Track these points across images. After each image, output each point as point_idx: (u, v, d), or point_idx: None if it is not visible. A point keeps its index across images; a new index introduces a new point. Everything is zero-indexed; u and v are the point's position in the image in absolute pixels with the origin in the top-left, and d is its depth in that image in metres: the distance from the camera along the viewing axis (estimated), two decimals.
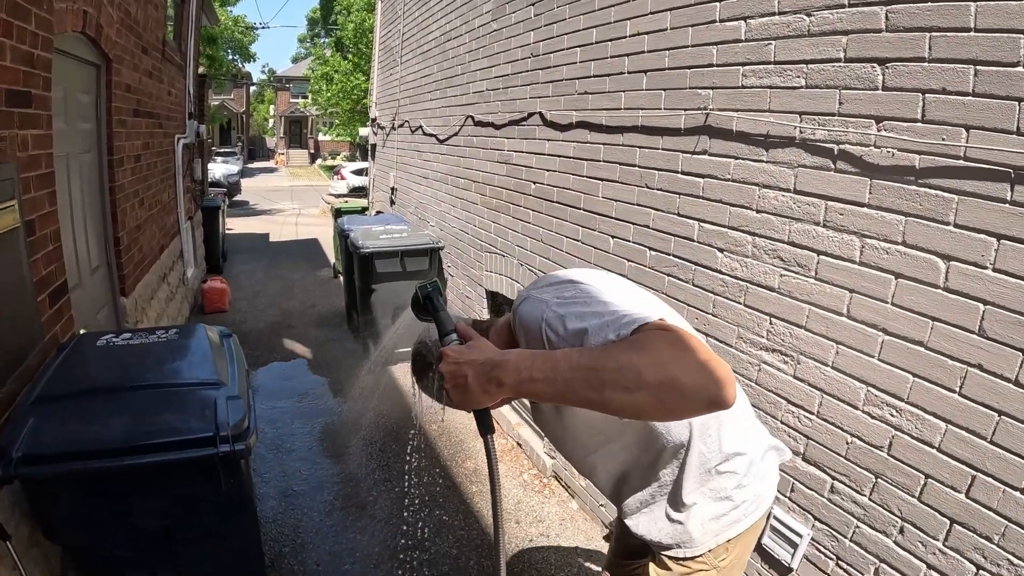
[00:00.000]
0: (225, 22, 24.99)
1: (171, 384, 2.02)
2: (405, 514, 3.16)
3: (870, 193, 1.73)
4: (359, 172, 19.39)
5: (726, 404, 0.91)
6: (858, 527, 1.86)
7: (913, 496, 1.70)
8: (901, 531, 1.74)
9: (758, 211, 2.07)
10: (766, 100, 2.01)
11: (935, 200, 1.59)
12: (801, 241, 1.93)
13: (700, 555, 1.38)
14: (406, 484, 3.43)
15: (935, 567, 1.67)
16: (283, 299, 7.29)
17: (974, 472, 1.56)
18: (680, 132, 2.37)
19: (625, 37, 2.65)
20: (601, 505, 3.06)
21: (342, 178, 20.33)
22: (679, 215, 2.43)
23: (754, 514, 1.39)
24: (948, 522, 1.63)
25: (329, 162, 34.33)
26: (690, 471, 1.31)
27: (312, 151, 39.41)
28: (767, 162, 2.02)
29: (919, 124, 1.60)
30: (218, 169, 18.88)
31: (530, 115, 3.55)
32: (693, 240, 2.37)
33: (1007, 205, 1.44)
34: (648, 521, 1.41)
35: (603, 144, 2.88)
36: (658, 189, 2.53)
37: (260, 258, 9.78)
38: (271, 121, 46.78)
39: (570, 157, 3.17)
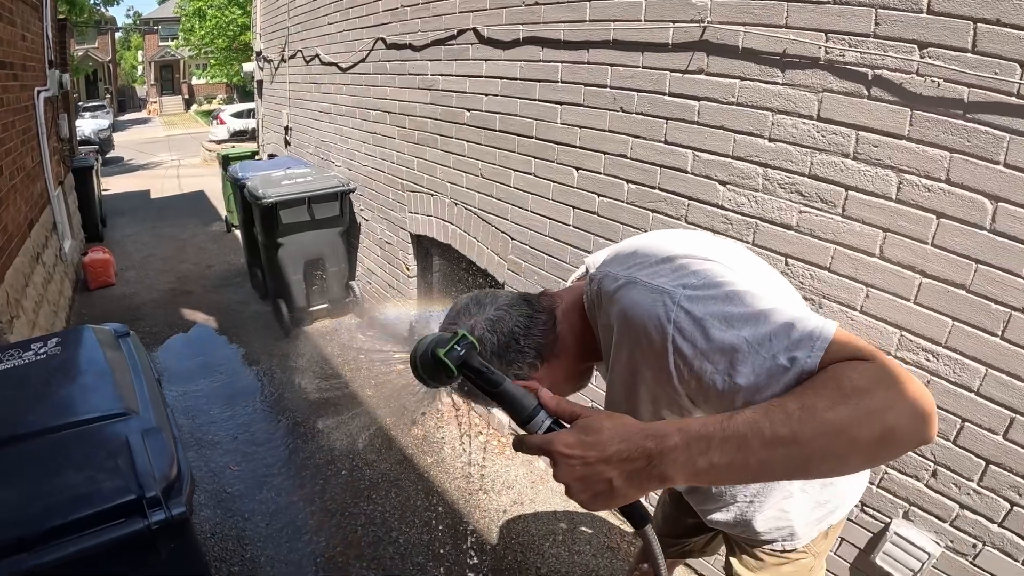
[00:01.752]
0: None
1: (61, 426, 1.46)
2: (360, 501, 2.86)
3: (911, 125, 1.55)
4: (240, 115, 18.84)
5: (930, 442, 0.70)
6: (886, 473, 1.80)
7: (948, 440, 1.65)
8: (934, 474, 1.71)
9: (771, 139, 1.83)
10: (783, 14, 1.73)
11: (985, 137, 1.45)
12: (825, 174, 1.73)
13: (802, 546, 1.22)
14: (353, 464, 3.11)
15: (968, 506, 1.66)
16: (176, 262, 6.48)
17: (1013, 414, 1.53)
18: (668, 48, 2.05)
19: None
20: None
21: (222, 122, 19.11)
22: (667, 143, 2.15)
23: (857, 494, 1.24)
24: (984, 463, 1.61)
25: (205, 107, 32.51)
26: None
27: (186, 96, 37.01)
28: (783, 84, 1.76)
29: (969, 55, 1.43)
30: (87, 125, 17.46)
31: (461, 32, 3.07)
32: (686, 172, 2.11)
33: None
34: (737, 512, 1.20)
35: (562, 62, 2.50)
36: (638, 113, 2.22)
37: (144, 219, 8.77)
38: (140, 68, 42.97)
39: (517, 79, 2.76)
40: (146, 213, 9.25)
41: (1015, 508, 1.57)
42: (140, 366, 1.82)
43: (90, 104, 24.96)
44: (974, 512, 1.65)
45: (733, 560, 1.34)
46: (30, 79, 4.84)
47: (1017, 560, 1.59)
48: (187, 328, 4.81)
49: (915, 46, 1.51)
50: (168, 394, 3.64)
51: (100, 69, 33.68)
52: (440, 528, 2.68)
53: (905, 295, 1.65)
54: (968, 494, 1.65)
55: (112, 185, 11.51)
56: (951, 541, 1.71)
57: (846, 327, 1.70)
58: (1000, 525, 1.60)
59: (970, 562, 1.68)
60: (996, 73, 1.40)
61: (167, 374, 4.01)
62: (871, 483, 1.82)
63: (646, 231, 2.22)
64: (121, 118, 31.53)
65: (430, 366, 0.82)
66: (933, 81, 1.49)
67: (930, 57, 1.49)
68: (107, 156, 16.64)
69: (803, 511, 1.17)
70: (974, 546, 1.66)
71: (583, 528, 2.71)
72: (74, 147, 8.00)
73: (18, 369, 1.70)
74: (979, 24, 1.40)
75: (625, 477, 0.70)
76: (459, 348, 0.80)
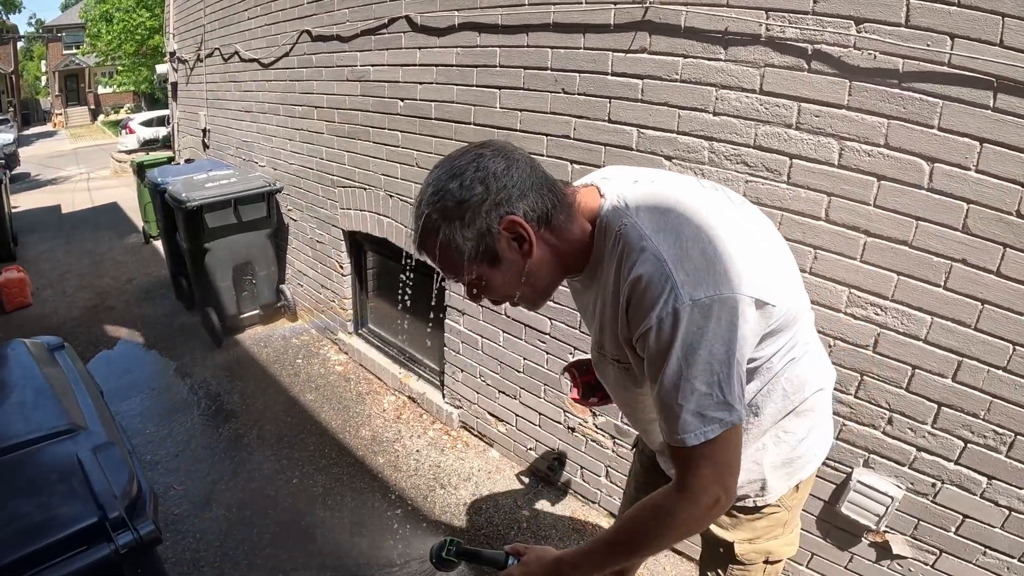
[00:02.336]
0: None
1: (1, 450, 1.29)
2: (316, 508, 2.73)
3: (849, 95, 1.63)
4: (150, 123, 18.10)
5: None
6: (845, 425, 1.88)
7: (900, 387, 1.75)
8: (890, 422, 1.80)
9: (716, 113, 1.88)
10: None
11: (919, 104, 1.55)
12: (770, 144, 1.79)
13: (773, 503, 1.25)
14: (304, 471, 2.97)
15: (925, 448, 1.76)
16: (94, 277, 6.00)
17: (960, 358, 1.64)
18: (610, 29, 2.06)
19: None
20: (529, 449, 2.90)
21: (131, 131, 18.23)
22: (611, 122, 2.16)
23: (824, 451, 1.27)
24: (936, 406, 1.71)
25: (113, 117, 30.96)
26: (765, 416, 1.13)
27: (93, 107, 34.96)
28: (726, 60, 1.81)
29: (903, 29, 1.53)
30: None
31: (392, 21, 2.96)
32: (632, 149, 2.12)
33: (990, 111, 1.46)
34: None
35: (500, 47, 2.46)
36: (580, 94, 2.22)
37: (57, 235, 8.09)
38: (44, 79, 40.39)
39: (453, 66, 2.70)
40: (59, 229, 8.60)
41: (969, 445, 1.67)
42: (80, 379, 1.64)
43: None
44: (931, 453, 1.75)
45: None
46: None
47: (976, 494, 1.69)
48: (112, 345, 4.44)
49: (852, 22, 1.59)
50: None
51: (2, 81, 32.34)
52: (402, 530, 2.60)
53: (851, 254, 1.73)
54: (924, 436, 1.75)
55: (21, 202, 10.75)
56: (912, 483, 1.80)
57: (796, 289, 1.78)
58: (956, 463, 1.71)
59: (931, 500, 1.78)
60: (928, 45, 1.49)
61: None
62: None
63: None
64: (26, 132, 29.95)
65: (438, 564, 1.26)
66: (870, 54, 1.57)
67: (866, 32, 1.57)
68: (13, 172, 15.54)
69: (774, 465, 1.19)
70: (933, 485, 1.76)
71: (547, 513, 2.70)
72: None
73: None
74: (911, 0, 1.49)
75: None
76: (452, 549, 1.25)
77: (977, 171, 1.50)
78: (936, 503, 1.77)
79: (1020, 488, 1.62)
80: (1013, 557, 1.68)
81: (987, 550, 1.71)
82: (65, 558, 1.11)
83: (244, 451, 3.13)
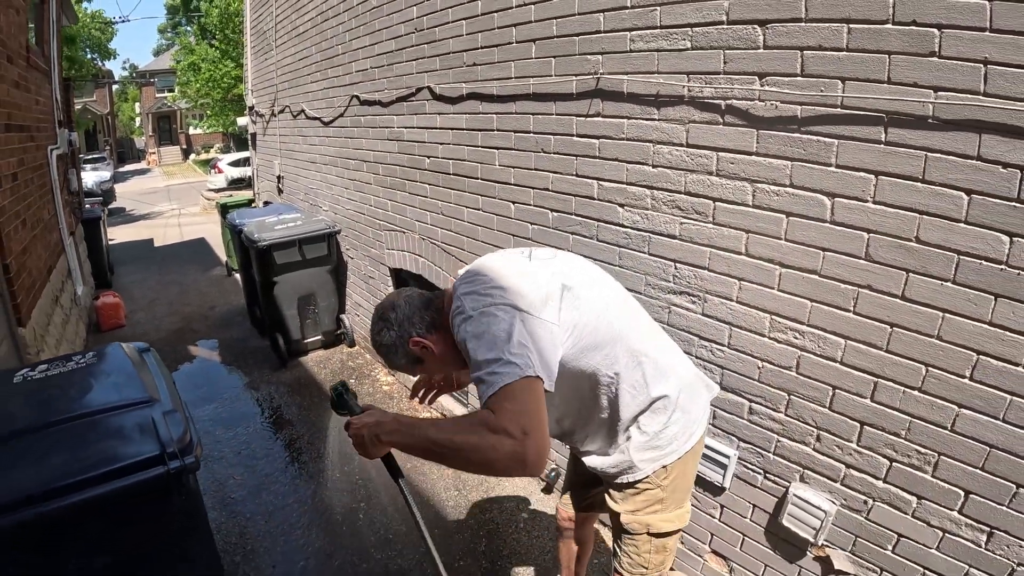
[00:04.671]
0: (82, 19, 21.88)
1: (102, 410, 1.79)
2: (348, 500, 3.02)
3: (757, 142, 1.76)
4: (237, 164, 18.15)
5: (532, 475, 1.26)
6: (779, 441, 1.94)
7: (824, 406, 1.80)
8: (818, 439, 1.84)
9: (654, 166, 2.06)
10: (655, 62, 1.98)
11: (817, 145, 1.64)
12: (697, 190, 1.95)
13: (644, 478, 1.49)
14: (342, 471, 3.29)
15: (853, 465, 1.78)
16: (180, 304, 6.60)
17: (875, 379, 1.67)
18: (572, 97, 2.30)
19: (512, 7, 2.52)
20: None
21: (219, 171, 18.68)
22: (578, 175, 2.38)
23: (686, 444, 1.49)
24: (859, 425, 1.74)
25: (203, 156, 31.30)
26: (622, 413, 1.42)
27: (184, 146, 35.80)
28: (659, 120, 2.00)
29: (799, 78, 1.64)
30: (89, 177, 16.42)
31: (418, 90, 3.33)
32: (594, 198, 2.33)
33: (882, 145, 1.52)
34: (598, 457, 1.54)
35: (496, 113, 2.75)
36: (555, 153, 2.46)
37: (148, 266, 8.77)
38: (138, 120, 41.63)
39: (463, 129, 3.02)
40: (150, 261, 9.24)
41: (894, 464, 1.69)
42: (159, 371, 2.11)
43: (91, 156, 23.39)
44: (859, 471, 1.76)
45: (607, 496, 1.61)
46: (43, 139, 5.02)
47: (907, 513, 1.69)
48: (193, 361, 4.98)
49: (756, 76, 1.73)
50: None
51: (99, 122, 32.29)
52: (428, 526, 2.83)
53: (770, 284, 1.83)
54: (851, 454, 1.77)
55: (117, 235, 11.37)
56: (844, 499, 1.82)
57: (726, 317, 1.94)
58: (885, 481, 1.72)
59: (865, 517, 1.78)
60: (822, 90, 1.60)
61: None
62: (768, 451, 1.97)
63: (567, 250, 2.45)
64: (121, 169, 30.56)
65: (333, 405, 1.46)
66: (772, 104, 1.70)
67: (768, 84, 1.70)
68: (110, 207, 15.60)
69: (639, 449, 1.46)
70: (865, 503, 1.77)
71: (542, 514, 2.87)
72: (82, 200, 7.99)
73: (64, 375, 2.02)
74: (805, 51, 1.61)
75: (367, 435, 1.27)
76: (340, 388, 1.45)
77: (875, 202, 1.56)
78: (871, 520, 1.78)
79: (950, 509, 1.60)
80: None
81: (926, 571, 1.68)
82: (136, 472, 1.59)
83: (294, 453, 3.48)
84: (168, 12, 32.26)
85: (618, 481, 1.53)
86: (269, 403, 4.16)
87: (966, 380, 1.51)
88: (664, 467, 1.47)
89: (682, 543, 2.39)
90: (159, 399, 1.87)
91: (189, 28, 24.73)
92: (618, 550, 1.63)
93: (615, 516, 1.59)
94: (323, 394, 4.25)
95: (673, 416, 1.44)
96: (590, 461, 1.58)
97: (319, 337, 4.99)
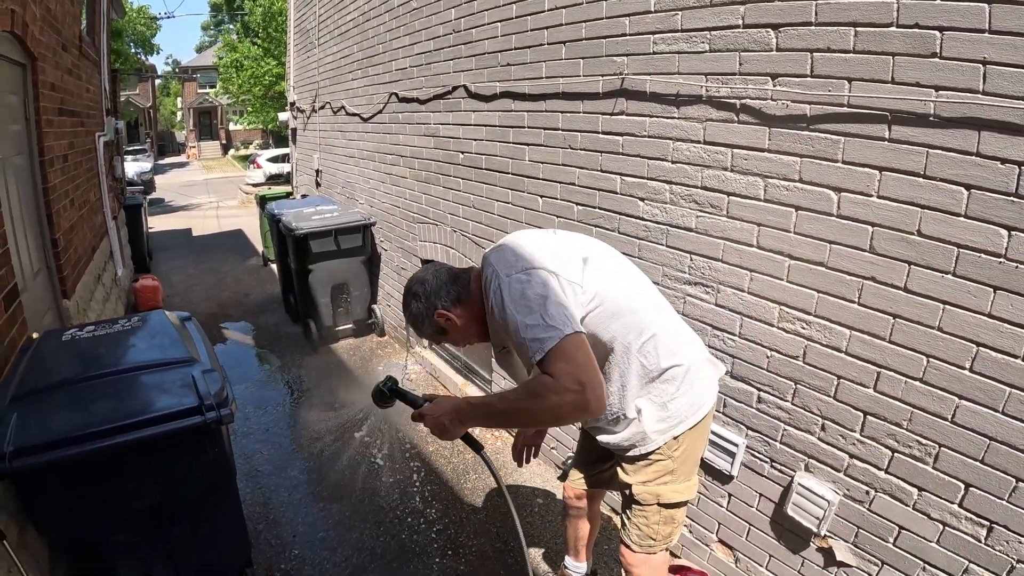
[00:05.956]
0: (128, 14, 22.90)
1: (146, 366, 1.98)
2: (370, 479, 3.17)
3: (769, 139, 1.86)
4: (275, 159, 18.58)
5: (596, 415, 1.35)
6: (785, 430, 2.01)
7: (829, 396, 1.86)
8: (823, 428, 1.90)
9: (673, 162, 2.18)
10: (675, 64, 2.10)
11: (825, 142, 1.73)
12: (712, 185, 2.06)
13: (656, 449, 1.57)
14: (364, 451, 3.44)
15: (856, 455, 1.83)
16: (216, 291, 6.91)
17: (879, 369, 1.73)
18: (599, 96, 2.44)
19: (544, 11, 2.67)
20: (552, 448, 3.19)
21: (258, 167, 19.00)
22: (602, 171, 2.51)
23: (695, 415, 1.56)
24: (862, 415, 1.79)
25: (243, 151, 31.89)
26: (632, 382, 1.51)
27: (224, 142, 36.57)
28: (679, 118, 2.12)
29: (808, 78, 1.74)
30: (130, 167, 16.81)
31: (454, 88, 3.51)
32: (616, 192, 2.45)
33: (886, 142, 1.60)
34: (611, 431, 1.62)
35: (527, 111, 2.90)
36: (581, 149, 2.60)
37: (187, 254, 9.14)
38: (179, 114, 42.95)
39: (496, 126, 3.18)
40: (188, 249, 9.57)
41: (896, 454, 1.73)
42: (200, 337, 2.33)
43: (132, 148, 23.81)
44: (862, 460, 1.81)
45: (618, 470, 1.69)
46: (92, 125, 5.37)
47: (908, 505, 1.73)
48: (226, 343, 5.26)
49: (769, 77, 1.83)
50: None
51: (141, 114, 33.03)
52: (436, 501, 2.99)
53: (779, 275, 1.92)
54: (854, 444, 1.82)
55: (155, 224, 11.66)
56: (847, 489, 1.87)
57: (738, 307, 2.04)
58: (887, 472, 1.76)
59: (867, 508, 1.83)
60: (830, 90, 1.69)
61: None
62: (775, 440, 2.04)
63: None
64: (161, 161, 31.08)
65: (382, 394, 1.62)
66: (783, 103, 1.81)
67: (780, 84, 1.80)
68: (149, 197, 15.57)
69: (651, 421, 1.54)
70: (867, 493, 1.82)
71: (558, 499, 2.99)
72: (125, 187, 8.34)
73: (110, 335, 2.24)
74: (815, 53, 1.71)
75: (449, 422, 1.43)
76: (388, 383, 1.61)
77: (879, 196, 1.64)
78: (872, 511, 1.82)
79: (950, 502, 1.63)
80: (952, 575, 1.66)
81: (926, 565, 1.71)
82: (172, 420, 1.76)
83: (321, 433, 3.66)
84: (212, 9, 33.25)
85: (631, 454, 1.61)
86: (298, 385, 4.38)
87: (966, 371, 1.56)
88: (675, 438, 1.56)
89: (690, 532, 2.47)
90: (199, 359, 2.07)
91: (232, 26, 25.27)
92: (627, 521, 1.71)
93: (626, 488, 1.66)
94: (351, 379, 4.45)
95: (682, 387, 1.53)
96: (603, 437, 1.65)
97: (350, 325, 5.20)
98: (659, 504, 1.63)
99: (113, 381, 1.89)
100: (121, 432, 1.68)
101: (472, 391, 3.97)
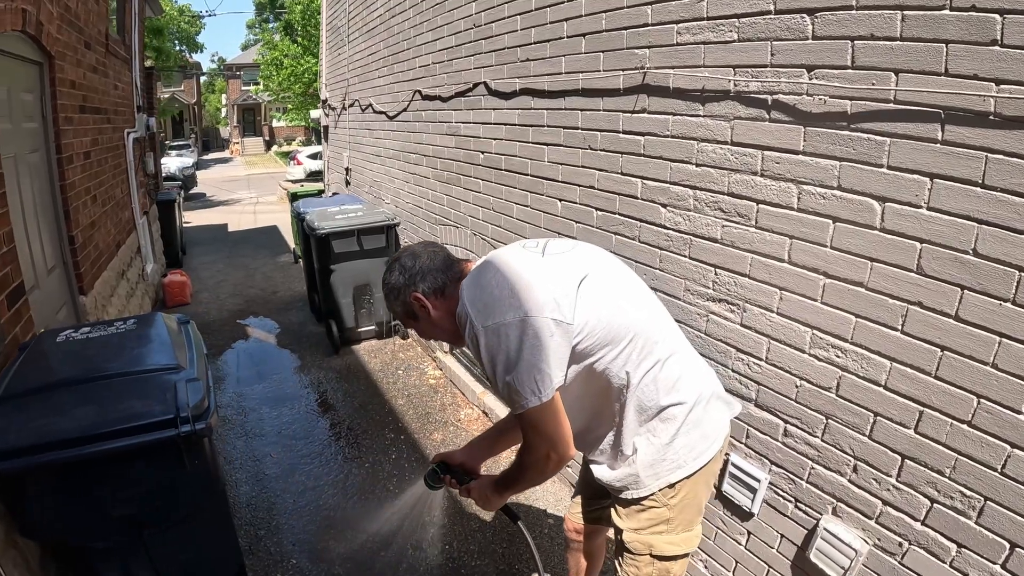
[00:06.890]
0: (170, 12, 23.65)
1: (131, 372, 1.95)
2: (378, 489, 3.09)
3: (804, 140, 1.67)
4: (315, 156, 18.66)
5: (569, 459, 1.39)
6: (813, 468, 1.82)
7: (863, 434, 1.66)
8: (855, 469, 1.70)
9: (698, 165, 2.00)
10: (701, 56, 1.93)
11: (867, 144, 1.52)
12: (740, 191, 1.87)
13: (650, 495, 1.44)
14: (375, 458, 3.37)
15: (890, 503, 1.62)
16: (245, 287, 7.02)
17: (921, 408, 1.52)
18: (619, 92, 2.28)
19: (563, 1, 2.53)
20: (567, 467, 3.06)
21: (298, 163, 19.45)
22: (622, 174, 2.35)
23: (696, 462, 1.42)
24: (899, 458, 1.58)
25: (285, 148, 32.72)
26: (630, 417, 1.39)
27: (267, 138, 37.77)
28: (704, 116, 1.94)
29: (849, 70, 1.53)
30: (173, 163, 17.95)
31: (475, 85, 3.40)
32: (637, 198, 2.29)
33: (938, 145, 1.39)
34: (606, 468, 1.51)
35: (546, 109, 2.77)
36: (601, 150, 2.44)
37: (220, 249, 9.36)
38: (224, 110, 44.44)
39: (515, 124, 3.05)
40: (223, 244, 9.78)
41: (935, 505, 1.52)
42: (193, 342, 2.29)
43: (176, 143, 25.46)
44: (896, 509, 1.62)
45: (612, 511, 1.57)
46: (121, 122, 5.47)
47: (945, 562, 1.52)
48: (249, 340, 5.29)
49: (804, 69, 1.63)
50: (226, 394, 4.10)
51: (186, 110, 34.38)
52: (449, 523, 2.89)
53: (812, 295, 1.71)
54: (888, 490, 1.63)
55: (193, 218, 12.15)
56: (878, 539, 1.67)
57: (765, 329, 1.86)
58: (923, 523, 1.56)
59: (898, 562, 1.63)
60: (874, 84, 1.48)
61: (228, 378, 4.46)
62: (801, 479, 1.85)
63: (609, 250, 2.40)
64: (205, 157, 31.93)
65: (429, 479, 1.76)
66: (820, 99, 1.61)
67: (817, 77, 1.61)
68: (191, 192, 16.59)
69: (645, 464, 1.40)
70: (900, 545, 1.62)
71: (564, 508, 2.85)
72: (159, 182, 8.53)
73: (103, 337, 2.22)
74: (856, 41, 1.51)
75: (490, 496, 1.59)
76: (438, 471, 1.73)
77: (929, 208, 1.42)
78: (904, 565, 1.61)
79: (992, 562, 1.42)
80: None
81: None
82: (149, 433, 1.73)
83: (334, 437, 3.63)
84: (256, 8, 34.27)
85: (623, 496, 1.49)
86: (317, 387, 4.35)
87: (1022, 417, 1.35)
88: (671, 485, 1.42)
89: (705, 567, 2.29)
90: (185, 367, 2.02)
91: (274, 24, 25.83)
92: (619, 569, 1.60)
93: (619, 533, 1.55)
94: (370, 384, 4.39)
95: (683, 428, 1.39)
96: (597, 472, 1.55)
97: (372, 327, 5.17)
98: (652, 555, 1.48)
99: (97, 386, 1.87)
100: (96, 441, 1.66)
101: (489, 400, 3.86)
